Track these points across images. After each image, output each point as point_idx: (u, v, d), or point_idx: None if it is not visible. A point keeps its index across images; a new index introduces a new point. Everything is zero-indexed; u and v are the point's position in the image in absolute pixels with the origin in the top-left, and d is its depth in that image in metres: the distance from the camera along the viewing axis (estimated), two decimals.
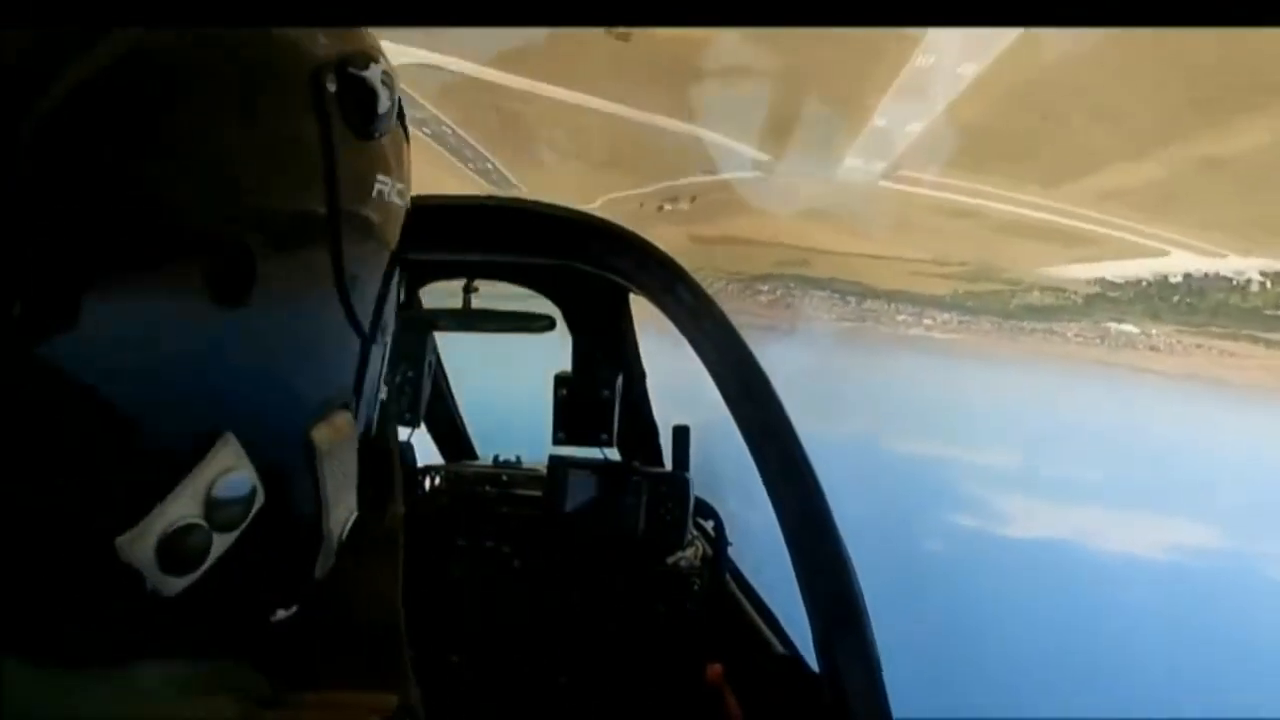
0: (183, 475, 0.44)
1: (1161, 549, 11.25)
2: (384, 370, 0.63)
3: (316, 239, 0.50)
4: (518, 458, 2.08)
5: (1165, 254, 20.55)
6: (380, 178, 0.54)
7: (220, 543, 0.46)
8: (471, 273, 1.78)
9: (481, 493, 1.91)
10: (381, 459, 0.64)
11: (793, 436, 1.39)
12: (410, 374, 1.73)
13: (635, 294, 1.72)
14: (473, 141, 18.59)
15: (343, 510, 0.56)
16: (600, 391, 1.79)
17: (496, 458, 2.09)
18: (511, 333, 1.88)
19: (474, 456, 2.31)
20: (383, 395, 0.64)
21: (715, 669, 1.62)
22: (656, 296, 1.57)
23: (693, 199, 21.37)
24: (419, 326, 1.79)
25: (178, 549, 0.44)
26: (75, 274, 0.40)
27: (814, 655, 1.39)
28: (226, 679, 0.48)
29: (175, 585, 0.44)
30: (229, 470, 0.46)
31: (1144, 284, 21.97)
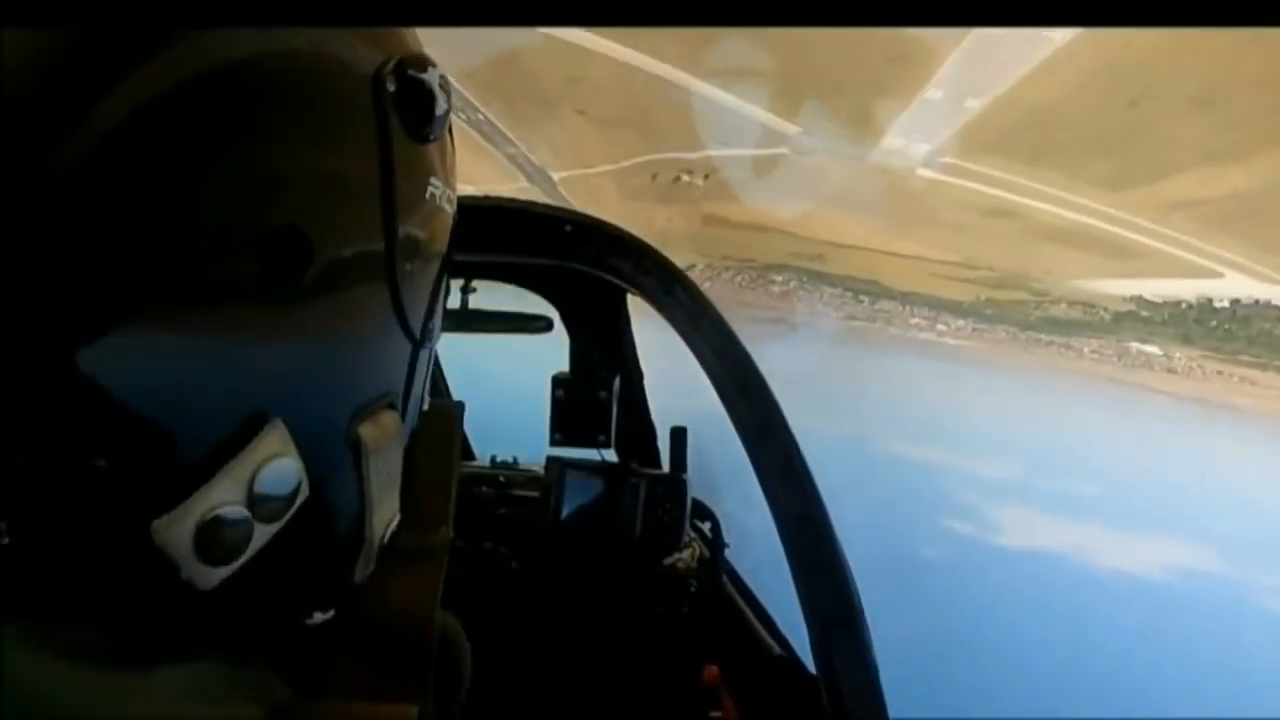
0: (226, 461, 0.43)
1: (1157, 569, 11.23)
2: (428, 376, 0.62)
3: (371, 234, 0.49)
4: (515, 459, 2.08)
5: (1218, 276, 18.83)
6: (433, 181, 0.55)
7: (261, 534, 0.44)
8: (469, 273, 1.78)
9: (479, 494, 1.91)
10: (439, 470, 0.63)
11: (790, 438, 1.39)
12: None
13: (633, 295, 1.72)
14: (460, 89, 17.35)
15: (386, 511, 0.55)
16: (598, 392, 1.79)
17: (494, 459, 2.09)
18: (509, 333, 1.88)
19: (471, 457, 2.30)
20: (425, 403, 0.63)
21: (712, 670, 1.61)
22: (654, 297, 1.57)
23: (707, 175, 20.25)
24: None
25: (217, 537, 0.42)
26: (127, 267, 0.39)
27: (811, 657, 1.39)
28: (247, 684, 0.46)
29: (212, 577, 0.43)
30: (275, 457, 0.44)
31: (1184, 306, 20.49)
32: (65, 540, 0.41)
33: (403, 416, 0.56)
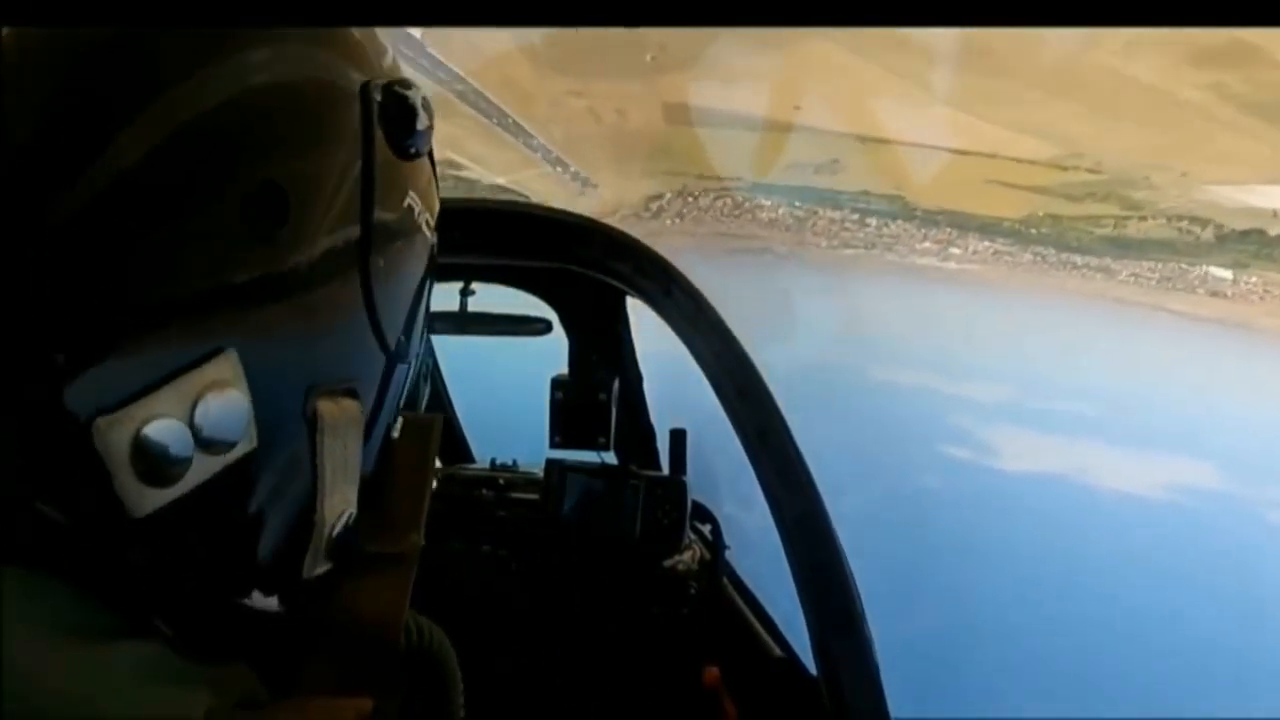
0: (175, 378, 0.43)
1: (1160, 488, 10.94)
2: (405, 392, 0.63)
3: (347, 217, 0.52)
4: (514, 461, 2.07)
5: None
6: (411, 195, 0.59)
7: (202, 466, 0.44)
8: (467, 275, 1.78)
9: (478, 496, 1.90)
10: (413, 478, 0.64)
11: (789, 439, 1.39)
12: None
13: (631, 296, 1.72)
14: None
15: (339, 502, 0.54)
16: (597, 395, 1.79)
17: (493, 461, 2.08)
18: (507, 336, 1.88)
19: (470, 459, 2.30)
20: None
21: (712, 672, 1.61)
22: (652, 299, 1.58)
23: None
24: None
25: (154, 450, 0.42)
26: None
27: (811, 658, 1.39)
28: (209, 674, 0.45)
29: (145, 499, 0.42)
30: (223, 385, 0.44)
31: None
32: (14, 433, 0.41)
33: (369, 422, 0.57)
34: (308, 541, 0.53)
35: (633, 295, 1.68)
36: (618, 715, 1.78)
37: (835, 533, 1.34)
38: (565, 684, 1.80)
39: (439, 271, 0.68)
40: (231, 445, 0.45)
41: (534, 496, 1.86)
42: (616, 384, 1.81)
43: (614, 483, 1.80)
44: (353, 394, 0.55)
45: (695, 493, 1.80)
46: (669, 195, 18.83)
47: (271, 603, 0.54)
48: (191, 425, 0.43)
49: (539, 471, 1.87)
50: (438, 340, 1.89)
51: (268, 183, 0.47)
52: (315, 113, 0.51)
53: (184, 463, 0.43)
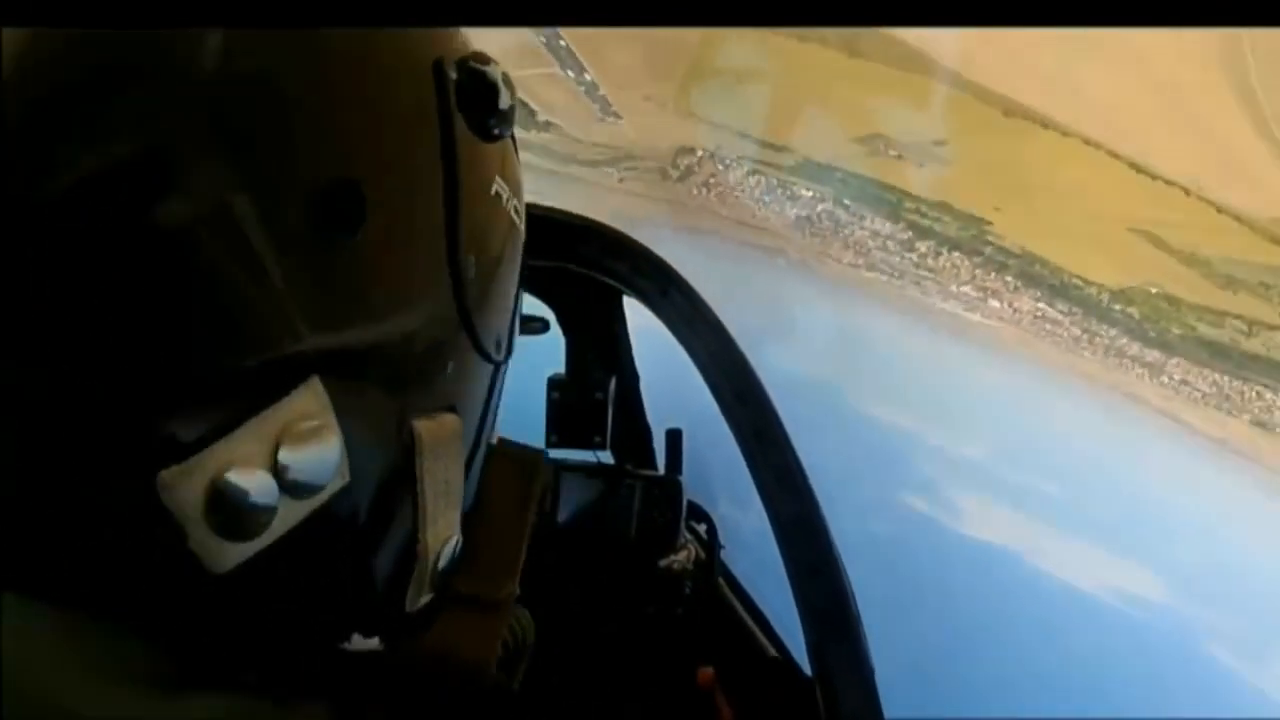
0: (253, 414, 0.37)
1: (1106, 589, 10.93)
2: (494, 401, 0.57)
3: (431, 212, 0.47)
4: None
5: None
6: (499, 180, 0.52)
7: (288, 513, 0.38)
8: None
9: None
10: (515, 519, 0.59)
11: (786, 442, 1.40)
12: None
13: (629, 296, 1.72)
14: None
15: (443, 528, 0.48)
16: (593, 394, 1.79)
17: None
18: None
19: None
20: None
21: (707, 673, 1.61)
22: (650, 299, 1.58)
23: None
24: None
25: (233, 503, 0.36)
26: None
27: (806, 659, 1.39)
28: (282, 717, 0.39)
29: (226, 555, 0.36)
30: (309, 419, 0.38)
31: None
32: (68, 491, 0.35)
33: (473, 438, 0.52)
34: (410, 574, 0.47)
35: (630, 295, 1.68)
36: (612, 715, 1.78)
37: (830, 534, 1.35)
38: (559, 683, 1.80)
39: None
40: (322, 487, 0.39)
41: None
42: (613, 383, 1.81)
43: (610, 483, 1.80)
44: (451, 408, 0.49)
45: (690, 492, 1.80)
46: (701, 153, 15.11)
47: (372, 643, 0.49)
48: (275, 470, 0.37)
49: None
50: None
51: (339, 181, 0.41)
52: (387, 96, 0.45)
53: (269, 512, 0.37)
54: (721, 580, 1.82)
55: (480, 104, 0.50)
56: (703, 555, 1.81)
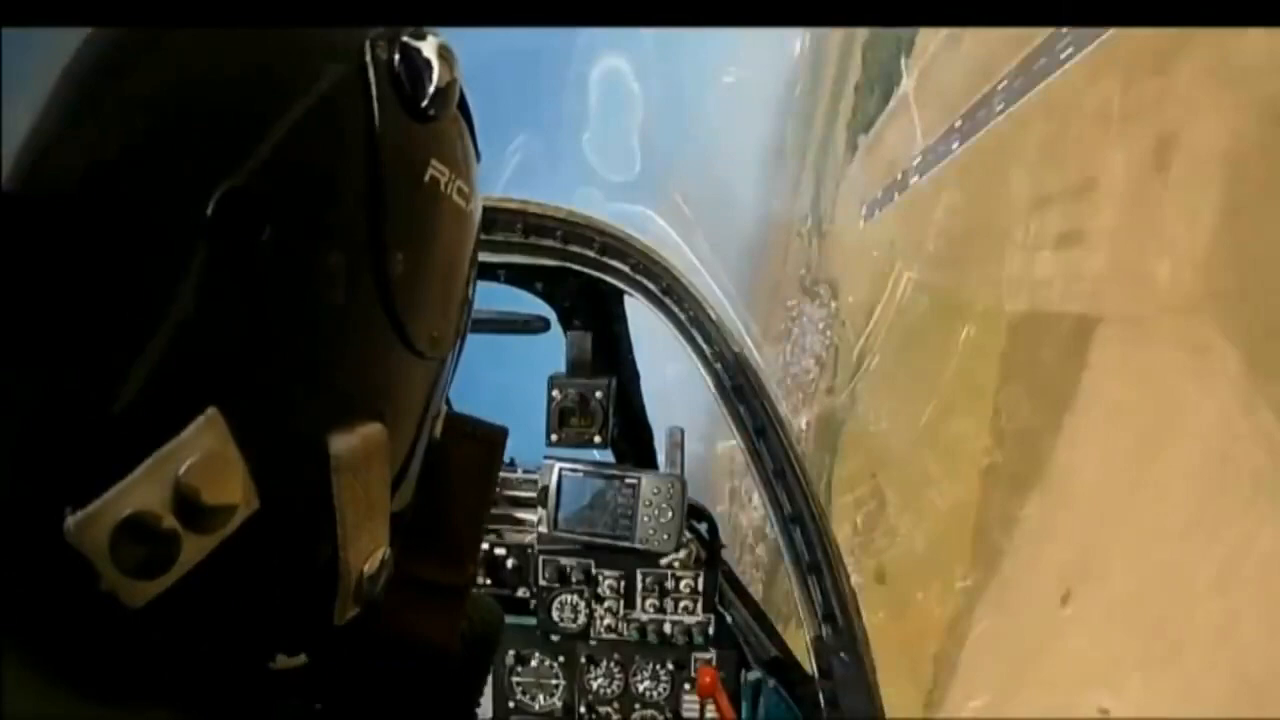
0: (150, 452, 0.36)
1: None
2: (434, 398, 0.53)
3: (351, 212, 0.43)
4: (512, 459, 2.07)
5: None
6: (435, 164, 0.48)
7: (196, 545, 0.37)
8: None
9: None
10: (476, 501, 0.57)
11: (786, 439, 1.40)
12: None
13: (630, 296, 1.72)
14: None
15: (367, 543, 0.47)
16: (594, 393, 1.79)
17: None
18: (506, 334, 1.88)
19: None
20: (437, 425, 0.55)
21: (709, 671, 1.62)
22: (651, 298, 1.58)
23: None
24: None
25: (136, 544, 0.35)
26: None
27: (807, 656, 1.39)
28: None
29: (137, 592, 0.36)
30: (207, 453, 0.37)
31: None
32: None
33: (412, 435, 0.49)
34: (335, 592, 0.46)
35: (631, 294, 1.68)
36: (614, 713, 1.78)
37: (831, 532, 1.35)
38: (563, 682, 1.80)
39: None
40: (227, 519, 0.39)
41: (531, 495, 1.86)
42: (614, 383, 1.81)
43: (611, 481, 1.80)
44: (376, 415, 0.46)
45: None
46: None
47: (299, 659, 0.48)
48: (176, 507, 0.36)
49: (537, 471, 1.87)
50: None
51: (237, 191, 0.38)
52: (303, 85, 0.41)
53: (175, 548, 0.37)
54: (722, 578, 1.82)
55: (412, 83, 0.46)
56: (703, 553, 1.81)
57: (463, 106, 0.52)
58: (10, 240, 0.34)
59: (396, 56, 0.46)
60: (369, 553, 0.47)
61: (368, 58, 0.44)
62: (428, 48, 0.46)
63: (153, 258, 0.37)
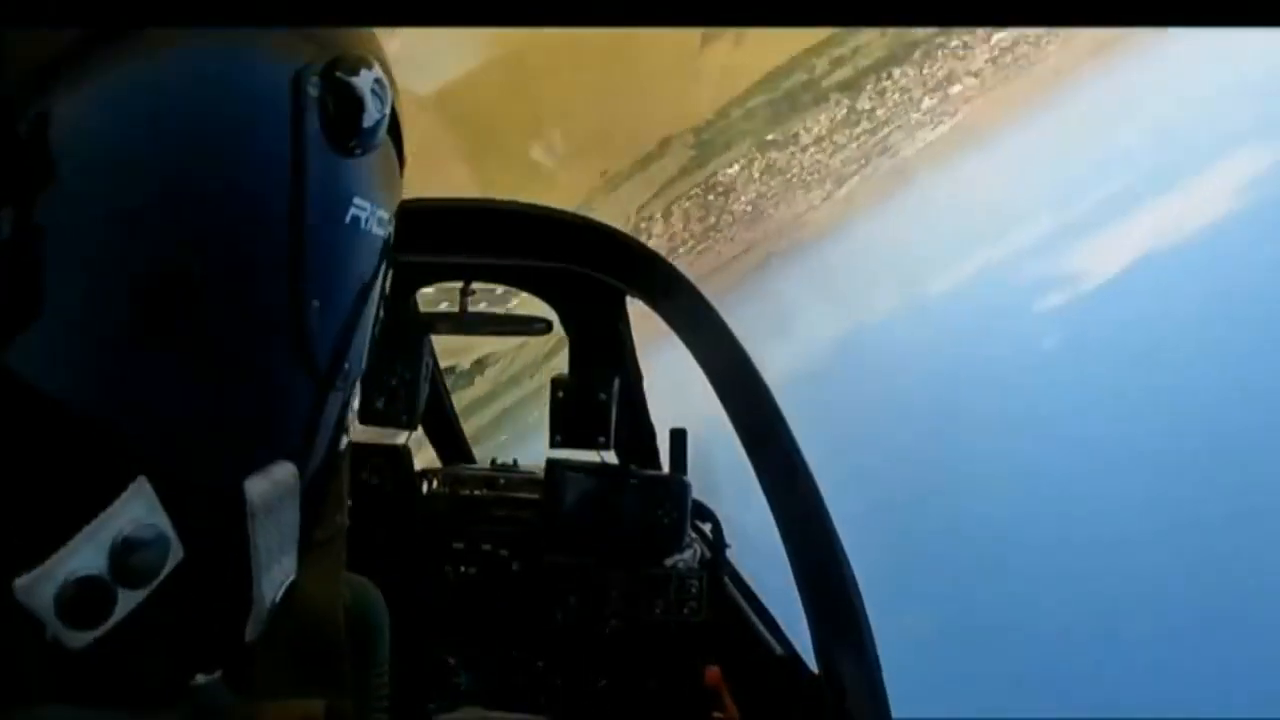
0: (87, 520, 0.40)
1: None
2: (345, 420, 0.56)
3: (273, 267, 0.45)
4: (515, 460, 2.07)
5: None
6: (358, 202, 0.48)
7: (128, 599, 0.42)
8: (469, 275, 1.78)
9: (479, 495, 1.90)
10: (326, 474, 0.58)
11: (791, 440, 1.39)
12: (408, 376, 1.72)
13: (632, 297, 1.72)
14: None
15: (279, 573, 0.50)
16: (597, 394, 1.79)
17: (494, 460, 2.08)
18: (508, 335, 1.88)
19: (471, 459, 2.30)
20: (346, 439, 0.58)
21: (713, 671, 1.61)
22: (654, 300, 1.58)
23: None
24: (416, 329, 1.79)
25: (79, 602, 0.40)
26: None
27: (813, 656, 1.39)
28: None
29: (78, 639, 0.41)
30: (139, 519, 0.41)
31: None
32: None
33: (302, 467, 0.51)
34: (247, 616, 0.50)
35: (633, 295, 1.67)
36: (619, 714, 1.78)
37: (836, 532, 1.34)
38: (566, 683, 1.80)
39: (440, 271, 0.63)
40: (157, 573, 0.42)
41: (534, 496, 1.86)
42: (617, 383, 1.81)
43: (614, 482, 1.80)
44: (291, 454, 0.49)
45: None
46: None
47: (215, 674, 0.52)
48: (112, 569, 0.41)
49: (539, 471, 1.87)
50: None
51: (167, 274, 0.40)
52: (223, 133, 0.41)
53: (109, 603, 0.41)
54: (727, 579, 1.81)
55: (343, 121, 0.45)
56: (708, 554, 1.80)
57: (395, 128, 0.52)
58: None
59: (329, 92, 0.45)
60: (280, 583, 0.50)
61: (305, 96, 0.44)
62: (360, 83, 0.46)
63: (82, 340, 0.39)
